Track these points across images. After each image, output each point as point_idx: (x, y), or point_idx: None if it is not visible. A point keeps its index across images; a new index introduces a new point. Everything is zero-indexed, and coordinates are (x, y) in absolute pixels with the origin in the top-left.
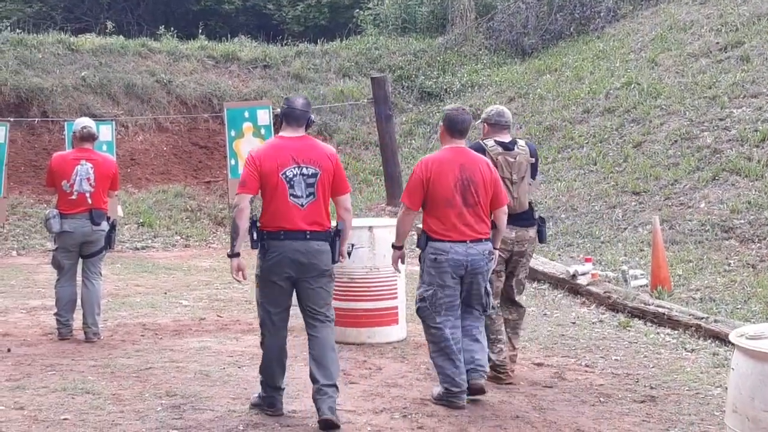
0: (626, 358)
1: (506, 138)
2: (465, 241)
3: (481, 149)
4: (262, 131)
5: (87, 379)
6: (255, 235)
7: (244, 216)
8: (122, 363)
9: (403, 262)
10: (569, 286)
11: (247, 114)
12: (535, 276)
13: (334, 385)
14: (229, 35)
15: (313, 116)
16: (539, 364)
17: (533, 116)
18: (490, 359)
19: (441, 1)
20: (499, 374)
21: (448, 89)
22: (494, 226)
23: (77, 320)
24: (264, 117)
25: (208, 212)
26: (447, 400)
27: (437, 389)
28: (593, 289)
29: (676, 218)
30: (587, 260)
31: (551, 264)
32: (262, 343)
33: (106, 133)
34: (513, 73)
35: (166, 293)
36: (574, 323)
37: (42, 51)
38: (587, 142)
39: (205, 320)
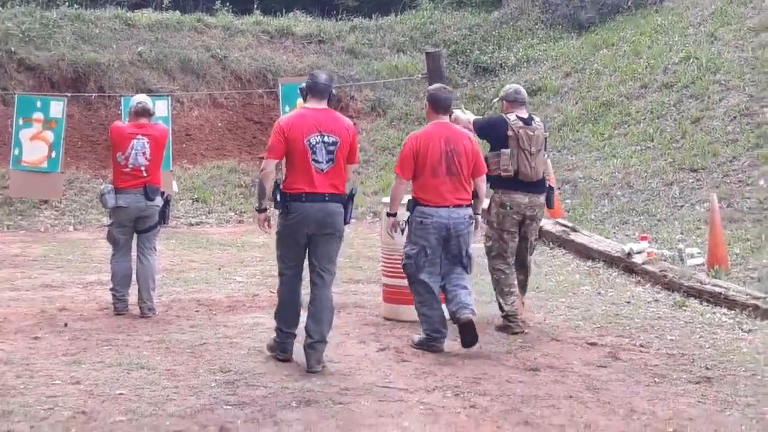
0: (682, 339)
1: (524, 113)
2: (448, 206)
3: (504, 122)
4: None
5: (142, 354)
6: (279, 197)
7: (270, 178)
8: (177, 338)
9: (396, 230)
10: (624, 264)
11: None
12: (590, 254)
13: (324, 341)
14: (284, 10)
15: (335, 91)
16: (593, 344)
17: (589, 91)
18: (503, 309)
19: None
20: (510, 323)
21: (503, 64)
22: (475, 195)
23: (132, 295)
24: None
25: None
26: (428, 344)
27: (418, 337)
28: (649, 267)
29: (734, 196)
30: (643, 238)
31: (606, 242)
32: (279, 292)
33: (161, 108)
34: (569, 48)
35: (220, 269)
36: (628, 302)
37: (99, 26)
38: (644, 118)
39: (258, 296)
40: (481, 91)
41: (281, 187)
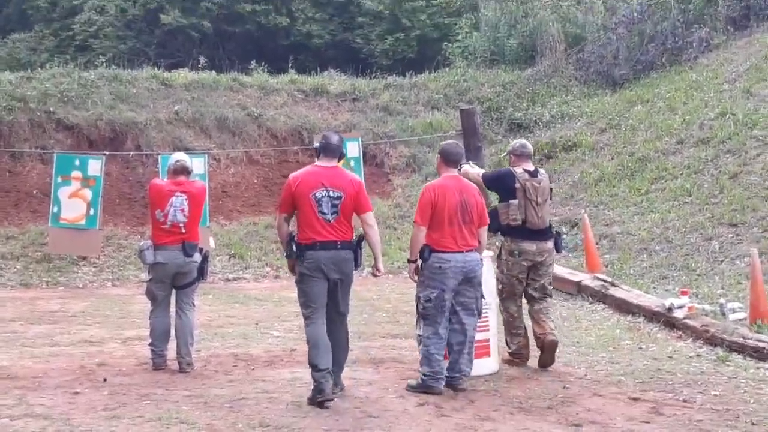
0: (726, 394)
1: (530, 167)
2: (462, 251)
3: (511, 175)
4: (352, 163)
5: (181, 408)
6: (294, 247)
7: (282, 230)
8: (215, 393)
9: (417, 274)
10: (665, 319)
11: None
12: (630, 309)
13: (341, 366)
14: (318, 69)
15: (344, 150)
16: (635, 399)
17: (625, 147)
18: (509, 347)
19: (530, 33)
20: (514, 359)
21: (537, 120)
22: (479, 241)
23: (171, 350)
24: (353, 149)
25: None
26: (426, 385)
27: (414, 381)
28: (690, 322)
29: None
30: (683, 293)
31: (646, 297)
32: (307, 334)
33: (198, 166)
34: (604, 104)
35: (257, 324)
36: (670, 357)
37: (136, 86)
38: (681, 173)
39: (296, 351)
40: None
41: (296, 238)
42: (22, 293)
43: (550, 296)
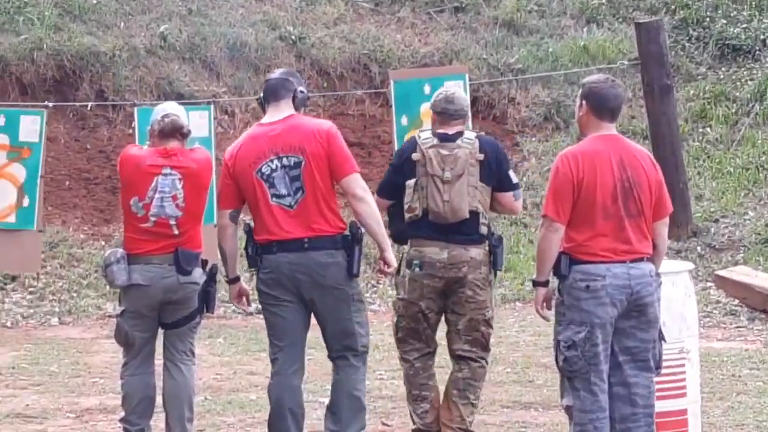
0: None
1: (452, 130)
2: (625, 261)
3: (413, 143)
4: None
5: None
6: (250, 250)
7: (226, 236)
8: None
9: (549, 307)
10: None
11: (427, 89)
12: None
13: None
14: None
15: (302, 88)
16: None
17: None
18: (412, 420)
19: None
20: None
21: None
22: (654, 244)
23: (157, 429)
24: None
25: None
26: None
27: None
28: None
29: None
30: None
31: None
32: (268, 389)
33: (200, 123)
34: None
35: None
36: None
37: None
38: None
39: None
40: (731, 86)
41: (252, 236)
42: None
43: (484, 351)
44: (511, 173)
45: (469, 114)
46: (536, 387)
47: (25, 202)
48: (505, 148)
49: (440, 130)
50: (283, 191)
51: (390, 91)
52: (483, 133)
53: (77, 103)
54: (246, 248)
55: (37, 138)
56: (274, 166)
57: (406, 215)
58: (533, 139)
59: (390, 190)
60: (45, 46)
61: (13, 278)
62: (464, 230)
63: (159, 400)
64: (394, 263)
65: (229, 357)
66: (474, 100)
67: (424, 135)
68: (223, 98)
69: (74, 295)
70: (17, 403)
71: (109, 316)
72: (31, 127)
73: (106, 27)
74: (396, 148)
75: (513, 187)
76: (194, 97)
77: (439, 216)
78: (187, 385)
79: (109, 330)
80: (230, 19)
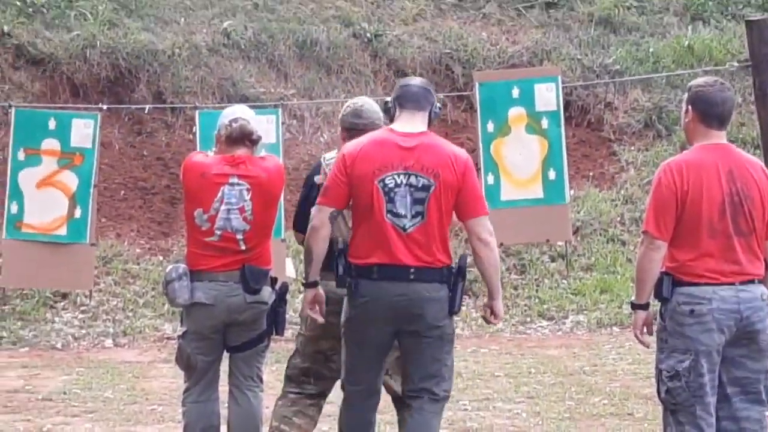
0: None
1: None
2: (733, 284)
3: (317, 168)
4: (544, 122)
5: None
6: (341, 269)
7: (318, 236)
8: None
9: (650, 332)
10: None
11: (516, 92)
12: None
13: None
14: None
15: (439, 104)
16: None
17: None
18: None
19: None
20: None
21: None
22: (766, 265)
23: None
24: (547, 96)
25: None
26: None
27: None
28: None
29: None
30: None
31: None
32: (339, 423)
33: (266, 128)
34: None
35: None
36: None
37: None
38: None
39: None
40: None
41: (347, 253)
42: None
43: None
44: None
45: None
46: (636, 420)
47: (77, 214)
48: (601, 157)
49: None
50: (401, 211)
51: (474, 94)
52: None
53: (133, 106)
54: (336, 266)
55: (90, 144)
56: (399, 181)
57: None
58: (632, 147)
59: (304, 221)
60: (98, 43)
61: (64, 296)
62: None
63: (223, 429)
64: (502, 314)
65: None
66: (566, 105)
67: (329, 155)
68: (291, 101)
69: (129, 314)
70: (70, 431)
71: (168, 338)
72: (83, 131)
73: (165, 23)
74: (482, 156)
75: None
76: (260, 99)
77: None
78: (254, 413)
79: (168, 353)
80: (300, 14)
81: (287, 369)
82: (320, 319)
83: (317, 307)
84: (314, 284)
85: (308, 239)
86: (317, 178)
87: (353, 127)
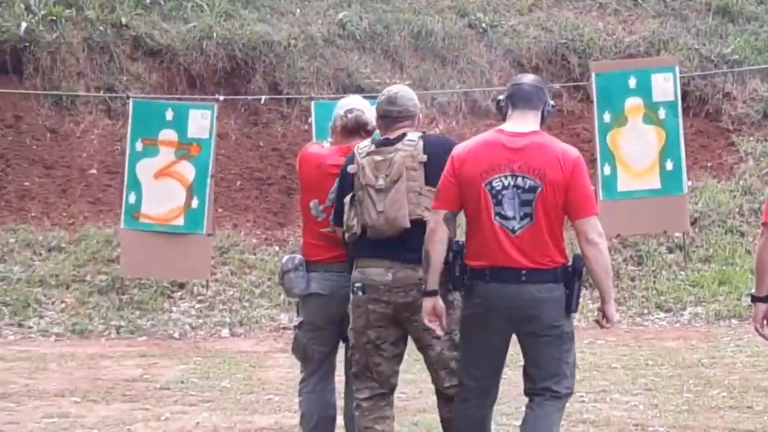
0: None
1: (395, 134)
2: None
3: (351, 158)
4: (661, 113)
5: None
6: (458, 270)
7: (435, 240)
8: None
9: None
10: None
11: (632, 82)
12: None
13: None
14: None
15: (552, 102)
16: None
17: None
18: None
19: None
20: None
21: None
22: None
23: None
24: (664, 87)
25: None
26: None
27: None
28: None
29: None
30: None
31: None
32: (453, 415)
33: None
34: None
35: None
36: None
37: None
38: None
39: None
40: None
41: (463, 254)
42: (76, 346)
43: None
44: None
45: (418, 113)
46: (756, 413)
47: (194, 204)
48: (719, 147)
49: (383, 136)
50: (510, 213)
51: (591, 85)
52: (436, 131)
53: (249, 97)
54: (452, 268)
55: (207, 134)
56: (506, 183)
57: (345, 235)
58: (751, 138)
59: (341, 216)
60: (215, 34)
61: (181, 285)
62: (411, 246)
63: (339, 420)
64: (616, 318)
65: (413, 375)
66: (684, 95)
67: (362, 144)
68: None
69: (246, 304)
70: (187, 420)
71: (284, 328)
72: (200, 122)
73: (281, 14)
74: (598, 147)
75: None
76: (375, 90)
77: (375, 230)
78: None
79: (284, 343)
80: (415, 5)
81: (351, 368)
82: (440, 332)
83: (437, 320)
84: (433, 293)
85: (425, 243)
86: (350, 168)
87: (387, 114)
